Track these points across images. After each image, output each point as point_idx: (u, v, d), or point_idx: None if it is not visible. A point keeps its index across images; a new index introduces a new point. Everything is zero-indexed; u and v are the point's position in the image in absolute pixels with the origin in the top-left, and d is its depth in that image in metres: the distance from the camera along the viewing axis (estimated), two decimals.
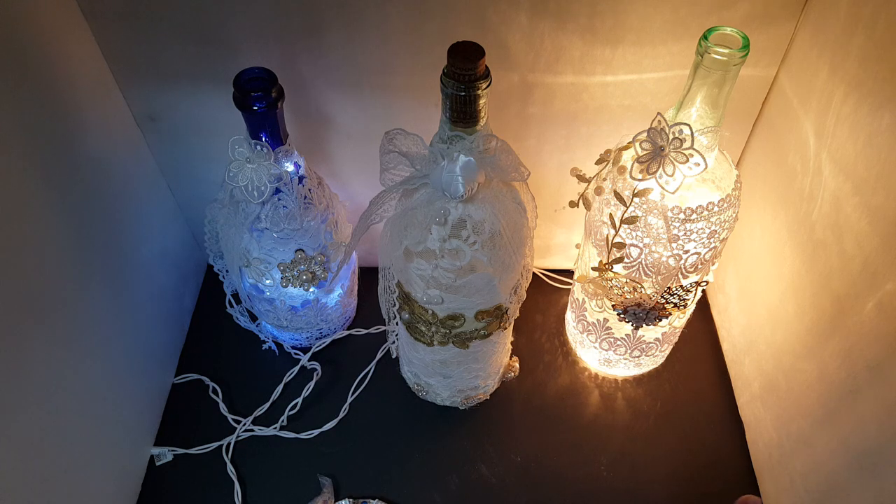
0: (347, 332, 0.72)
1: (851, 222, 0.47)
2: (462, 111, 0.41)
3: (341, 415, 0.67)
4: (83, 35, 0.54)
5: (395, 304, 0.55)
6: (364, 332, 0.73)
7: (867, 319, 0.45)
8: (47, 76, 0.50)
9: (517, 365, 0.67)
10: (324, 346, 0.71)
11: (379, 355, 0.71)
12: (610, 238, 0.53)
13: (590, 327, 0.64)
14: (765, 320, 0.61)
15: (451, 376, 0.60)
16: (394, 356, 0.66)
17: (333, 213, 0.61)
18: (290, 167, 0.56)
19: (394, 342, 0.63)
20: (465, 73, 0.39)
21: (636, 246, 0.52)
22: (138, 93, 0.60)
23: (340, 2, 0.52)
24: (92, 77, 0.56)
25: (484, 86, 0.40)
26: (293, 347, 0.71)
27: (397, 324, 0.58)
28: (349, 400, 0.68)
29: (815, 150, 0.52)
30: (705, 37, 0.43)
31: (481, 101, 0.41)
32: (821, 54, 0.51)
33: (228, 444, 0.65)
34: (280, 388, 0.69)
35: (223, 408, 0.67)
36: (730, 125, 0.58)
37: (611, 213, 0.52)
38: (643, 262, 0.52)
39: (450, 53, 0.40)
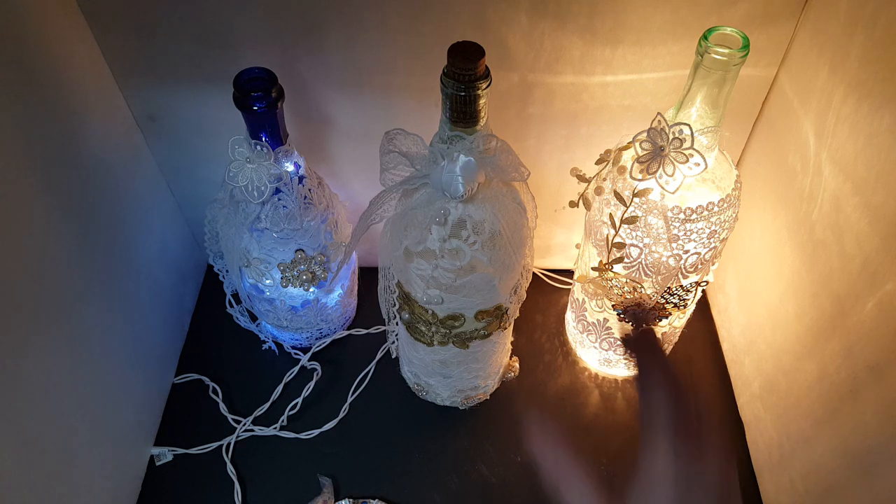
0: (347, 332, 0.72)
1: (851, 222, 0.47)
2: (462, 111, 0.41)
3: (341, 415, 0.67)
4: (83, 35, 0.54)
5: (395, 304, 0.55)
6: (364, 332, 0.73)
7: (867, 319, 0.45)
8: (47, 76, 0.50)
9: (517, 365, 0.67)
10: (324, 346, 0.71)
11: (379, 355, 0.71)
12: (610, 238, 0.53)
13: (590, 327, 0.64)
14: (765, 320, 0.61)
15: (451, 376, 0.60)
16: (394, 356, 0.66)
17: (333, 213, 0.61)
18: (290, 167, 0.56)
19: (394, 342, 0.63)
20: (465, 73, 0.39)
21: (636, 246, 0.52)
22: (138, 93, 0.60)
23: (340, 2, 0.52)
24: (92, 77, 0.56)
25: (484, 86, 0.40)
26: (293, 347, 0.71)
27: (397, 324, 0.58)
28: (349, 400, 0.68)
29: (815, 150, 0.52)
30: (705, 37, 0.43)
31: (481, 101, 0.41)
32: (821, 54, 0.51)
33: (228, 444, 0.65)
34: (280, 388, 0.69)
35: (223, 408, 0.67)
36: (730, 125, 0.58)
37: (611, 213, 0.52)
38: (643, 262, 0.52)
39: (450, 53, 0.40)
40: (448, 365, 0.58)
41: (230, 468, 0.63)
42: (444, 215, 0.45)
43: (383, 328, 0.72)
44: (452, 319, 0.52)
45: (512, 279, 0.51)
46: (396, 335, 0.62)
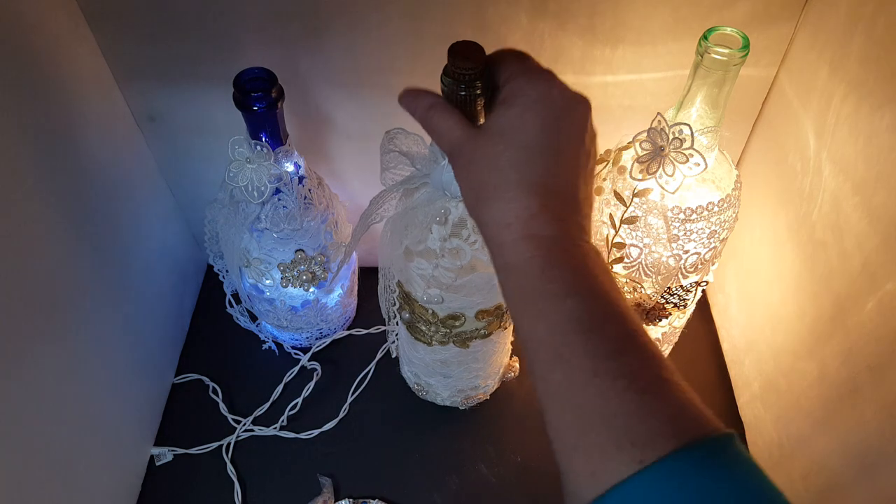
0: (347, 332, 0.72)
1: (851, 222, 0.47)
2: (462, 111, 0.41)
3: (341, 415, 0.67)
4: (83, 35, 0.54)
5: (395, 304, 0.55)
6: (364, 332, 0.73)
7: (867, 319, 0.45)
8: (47, 76, 0.50)
9: (517, 365, 0.67)
10: (324, 346, 0.71)
11: (379, 355, 0.71)
12: (610, 238, 0.53)
13: None
14: (765, 320, 0.61)
15: (452, 376, 0.60)
16: (394, 356, 0.66)
17: (333, 213, 0.61)
18: (290, 167, 0.56)
19: (394, 342, 0.63)
20: (464, 72, 0.39)
21: (636, 246, 0.52)
22: (138, 93, 0.60)
23: (341, 2, 0.52)
24: (92, 77, 0.56)
25: (484, 85, 0.40)
26: (293, 347, 0.71)
27: (397, 324, 0.58)
28: (349, 400, 0.68)
29: (815, 150, 0.52)
30: (705, 37, 0.43)
31: (481, 101, 0.41)
32: (821, 54, 0.51)
33: (228, 444, 0.65)
34: (280, 388, 0.69)
35: (223, 408, 0.67)
36: (730, 125, 0.58)
37: (611, 213, 0.52)
38: (643, 262, 0.52)
39: (450, 53, 0.40)
40: (448, 365, 0.58)
41: (230, 468, 0.63)
42: (445, 215, 0.45)
43: (383, 328, 0.72)
44: (453, 319, 0.52)
45: None
46: (396, 335, 0.62)
